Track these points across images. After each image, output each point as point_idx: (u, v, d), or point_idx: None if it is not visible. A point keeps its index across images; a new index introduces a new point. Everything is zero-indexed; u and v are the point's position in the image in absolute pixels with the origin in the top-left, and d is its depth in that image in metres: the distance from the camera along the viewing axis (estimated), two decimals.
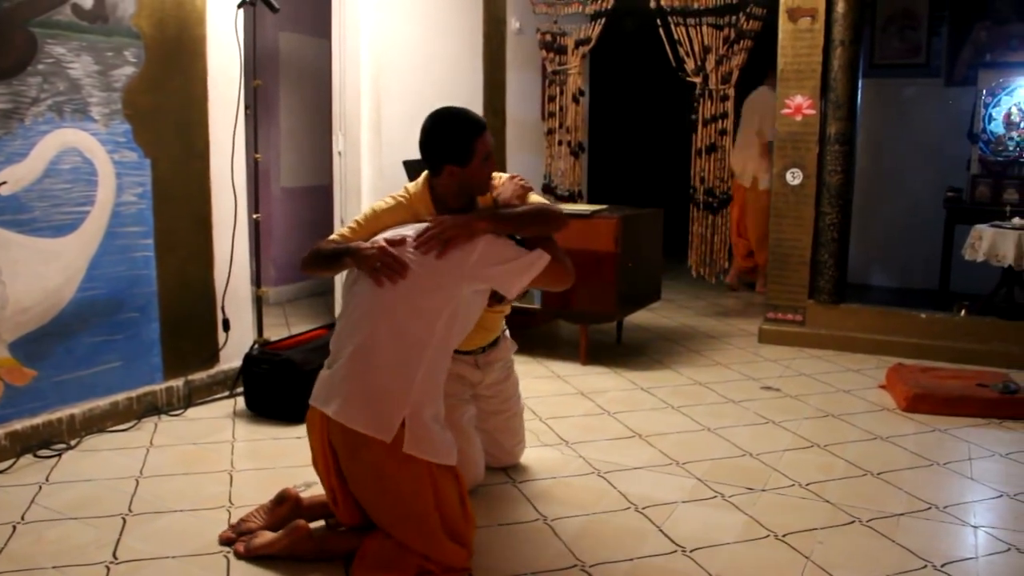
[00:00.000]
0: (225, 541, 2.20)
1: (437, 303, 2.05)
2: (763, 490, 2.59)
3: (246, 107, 3.53)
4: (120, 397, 3.11)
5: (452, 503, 2.04)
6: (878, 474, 2.73)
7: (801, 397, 3.58)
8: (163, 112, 3.21)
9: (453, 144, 2.23)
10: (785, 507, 2.47)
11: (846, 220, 4.46)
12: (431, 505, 1.99)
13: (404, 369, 1.99)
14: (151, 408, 3.20)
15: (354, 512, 2.12)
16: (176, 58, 3.25)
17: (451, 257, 2.08)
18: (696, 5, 4.87)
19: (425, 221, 2.22)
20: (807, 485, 2.63)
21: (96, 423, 3.02)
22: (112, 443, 2.94)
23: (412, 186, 2.40)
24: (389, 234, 2.20)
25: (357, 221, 2.37)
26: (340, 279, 4.45)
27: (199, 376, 3.41)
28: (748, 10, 4.81)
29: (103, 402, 3.05)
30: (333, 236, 2.38)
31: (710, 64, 4.94)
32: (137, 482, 2.60)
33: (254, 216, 3.63)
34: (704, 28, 4.90)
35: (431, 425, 2.02)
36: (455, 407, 2.51)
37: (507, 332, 2.71)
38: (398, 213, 2.34)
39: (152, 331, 3.23)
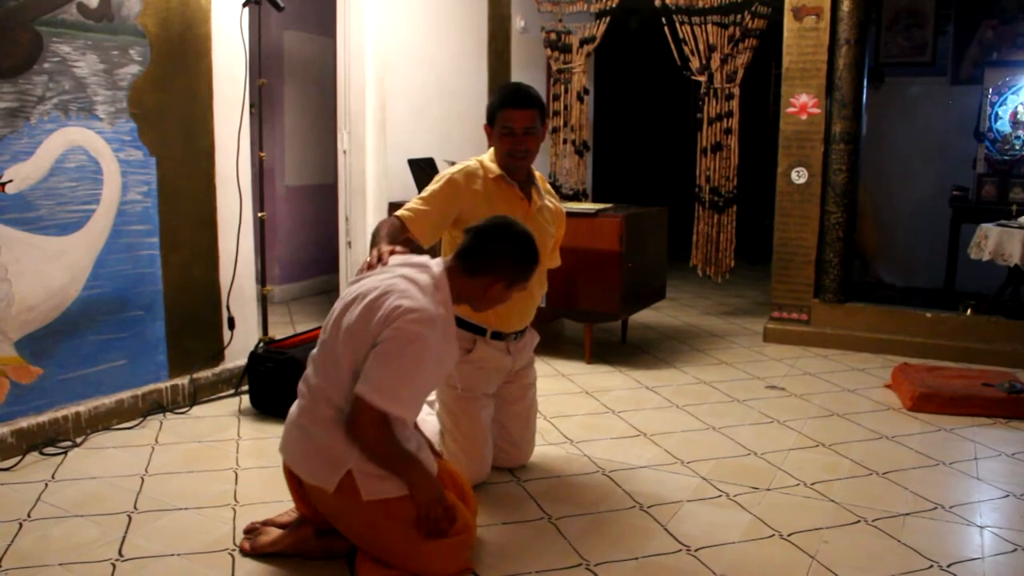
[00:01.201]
0: (249, 529, 2.20)
1: (348, 364, 1.91)
2: (768, 489, 2.58)
3: (251, 106, 3.53)
4: (125, 395, 3.11)
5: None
6: (883, 474, 2.72)
7: (806, 396, 3.58)
8: (168, 111, 3.21)
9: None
10: (790, 506, 2.47)
11: (851, 219, 4.45)
12: (398, 532, 1.95)
13: (339, 428, 1.93)
14: (156, 406, 3.21)
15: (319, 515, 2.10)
16: (181, 57, 3.25)
17: (374, 312, 1.87)
18: (701, 4, 4.86)
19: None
20: (812, 484, 2.62)
21: (101, 421, 3.02)
22: (117, 441, 2.94)
23: (486, 153, 2.57)
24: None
25: (431, 190, 2.46)
26: (344, 278, 4.47)
27: (204, 374, 3.41)
28: (753, 8, 4.80)
29: (108, 400, 3.05)
30: (405, 210, 2.43)
31: (715, 63, 4.93)
32: (142, 480, 2.60)
33: (259, 214, 3.62)
34: (709, 27, 4.89)
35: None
36: (476, 399, 2.53)
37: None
38: (469, 176, 2.47)
39: (157, 329, 3.23)
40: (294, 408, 2.05)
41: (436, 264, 2.01)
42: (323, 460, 1.93)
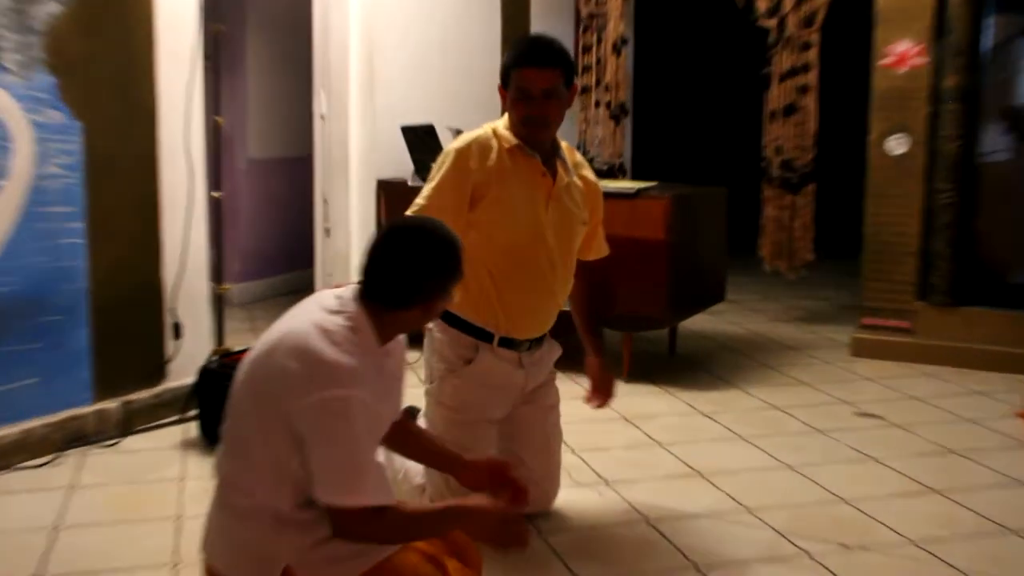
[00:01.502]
0: None
1: (259, 441, 1.86)
2: (862, 548, 2.53)
3: (205, 58, 3.53)
4: (36, 424, 3.07)
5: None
6: (1019, 531, 2.63)
7: (910, 427, 3.54)
8: (98, 63, 3.20)
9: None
10: (893, 570, 2.42)
11: (968, 200, 4.38)
12: None
13: (259, 517, 1.87)
14: (77, 437, 3.17)
15: None
16: None
17: (275, 378, 1.84)
18: None
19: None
20: (921, 543, 2.56)
21: (5, 457, 2.97)
22: (24, 483, 2.89)
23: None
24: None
25: (440, 177, 2.47)
26: (321, 274, 4.41)
27: (140, 396, 3.39)
28: None
29: (13, 430, 3.01)
30: (412, 209, 2.45)
31: (788, 3, 4.88)
32: (54, 534, 2.54)
33: (214, 194, 3.63)
34: None
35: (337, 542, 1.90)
36: (474, 425, 2.53)
37: None
38: (482, 148, 2.49)
39: (80, 339, 3.20)
40: (213, 494, 2.01)
41: (352, 302, 1.97)
42: (250, 558, 1.89)
